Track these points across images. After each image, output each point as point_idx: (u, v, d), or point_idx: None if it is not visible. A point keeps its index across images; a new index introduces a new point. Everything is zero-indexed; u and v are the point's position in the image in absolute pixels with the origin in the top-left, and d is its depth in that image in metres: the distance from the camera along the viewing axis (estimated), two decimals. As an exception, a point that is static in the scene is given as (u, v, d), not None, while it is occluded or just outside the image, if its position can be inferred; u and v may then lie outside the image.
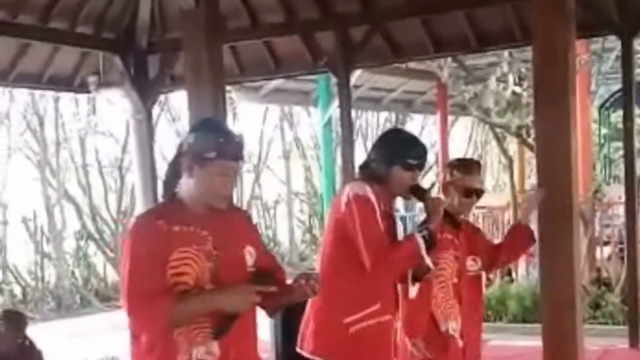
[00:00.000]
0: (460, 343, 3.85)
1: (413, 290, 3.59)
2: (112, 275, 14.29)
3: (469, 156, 15.00)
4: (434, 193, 3.53)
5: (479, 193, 3.88)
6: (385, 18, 7.79)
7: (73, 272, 13.95)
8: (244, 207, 16.66)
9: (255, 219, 17.77)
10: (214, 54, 5.66)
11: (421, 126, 18.70)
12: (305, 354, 3.41)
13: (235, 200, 14.59)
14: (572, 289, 4.29)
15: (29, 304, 12.75)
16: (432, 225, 3.35)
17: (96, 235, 14.34)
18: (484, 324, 7.85)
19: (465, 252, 3.88)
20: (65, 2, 7.48)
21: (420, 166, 3.46)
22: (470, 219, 4.47)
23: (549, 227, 4.35)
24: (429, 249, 3.33)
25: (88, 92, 8.87)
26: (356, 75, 9.79)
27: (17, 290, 13.25)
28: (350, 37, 7.98)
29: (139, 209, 9.10)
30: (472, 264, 3.93)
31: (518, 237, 4.06)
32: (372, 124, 17.84)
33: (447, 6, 7.53)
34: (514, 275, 9.62)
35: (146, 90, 8.45)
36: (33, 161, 14.22)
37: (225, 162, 2.56)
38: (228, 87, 9.67)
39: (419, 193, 3.44)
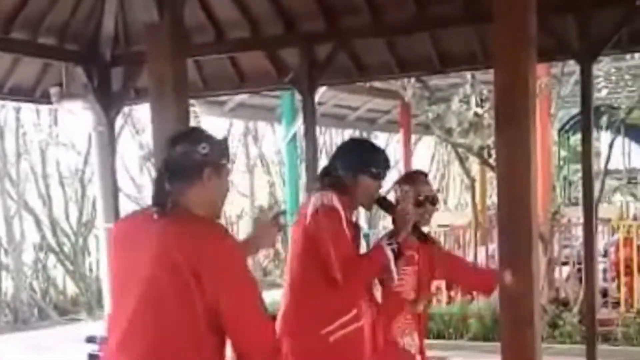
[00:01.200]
0: (419, 358, 3.92)
1: None
2: (71, 288, 14.09)
3: (431, 175, 15.16)
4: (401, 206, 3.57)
5: (431, 200, 3.94)
6: (351, 37, 7.83)
7: (31, 285, 13.73)
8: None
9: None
10: (178, 67, 5.64)
11: (385, 145, 18.82)
12: None
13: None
14: (531, 309, 4.32)
15: (-16, 317, 12.52)
16: (400, 238, 3.38)
17: (56, 248, 14.14)
18: (445, 342, 7.96)
19: (426, 269, 3.93)
20: (27, 12, 7.39)
21: (385, 176, 3.49)
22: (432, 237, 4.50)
23: (509, 247, 4.39)
24: (396, 261, 3.37)
25: (50, 103, 8.75)
26: (321, 93, 9.82)
27: (-27, 303, 13.00)
28: (315, 55, 8.00)
29: (100, 221, 9.01)
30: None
31: (484, 280, 4.23)
32: (336, 141, 17.93)
33: (412, 28, 7.60)
34: (474, 294, 9.69)
35: (109, 103, 8.38)
36: (-8, 172, 14.00)
37: (228, 166, 2.67)
38: (192, 101, 9.67)
39: (385, 205, 3.48)
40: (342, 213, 3.32)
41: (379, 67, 8.21)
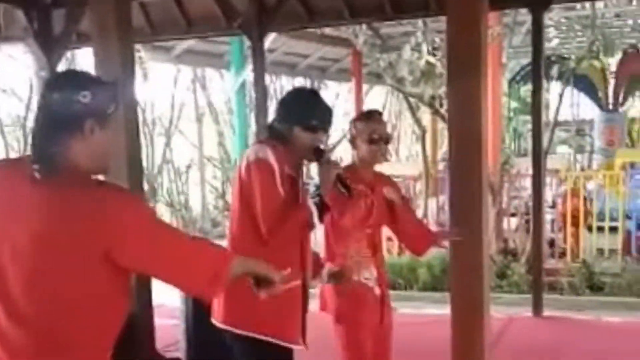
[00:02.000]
0: (378, 291, 3.87)
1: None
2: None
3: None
4: (335, 157, 3.48)
5: (384, 138, 3.84)
6: (302, -19, 7.66)
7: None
8: (155, 172, 16.33)
9: (166, 184, 17.23)
10: (122, 10, 5.42)
11: (336, 94, 18.69)
12: (217, 324, 3.33)
13: (145, 164, 14.19)
14: (480, 259, 4.32)
15: None
16: (322, 190, 3.30)
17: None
18: (394, 292, 7.97)
19: (380, 202, 3.85)
20: (-38, -51, 7.05)
21: (324, 128, 3.37)
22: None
23: (459, 198, 4.36)
24: (320, 215, 3.29)
25: (-12, 47, 8.44)
26: (270, 39, 9.62)
27: None
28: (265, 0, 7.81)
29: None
30: (389, 191, 3.92)
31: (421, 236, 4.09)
32: (286, 90, 17.68)
33: (364, -28, 7.47)
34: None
35: (51, 46, 8.08)
36: None
37: (115, 114, 2.28)
38: (138, 46, 9.38)
39: (317, 155, 3.37)
40: (275, 167, 3.19)
41: (330, 13, 8.06)
